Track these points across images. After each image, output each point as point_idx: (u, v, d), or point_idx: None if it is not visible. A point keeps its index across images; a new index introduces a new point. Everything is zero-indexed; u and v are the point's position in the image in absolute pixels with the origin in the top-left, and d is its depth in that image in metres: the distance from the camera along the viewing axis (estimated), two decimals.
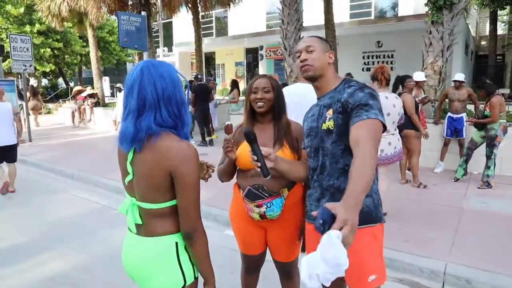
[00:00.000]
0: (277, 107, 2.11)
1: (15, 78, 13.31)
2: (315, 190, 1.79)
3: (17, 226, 4.71)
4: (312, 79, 1.81)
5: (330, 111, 1.69)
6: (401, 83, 5.66)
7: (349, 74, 8.38)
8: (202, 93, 9.50)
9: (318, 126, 1.75)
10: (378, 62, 15.50)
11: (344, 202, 1.28)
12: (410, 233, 3.99)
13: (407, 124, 5.51)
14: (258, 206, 2.04)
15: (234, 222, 2.30)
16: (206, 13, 16.17)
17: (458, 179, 5.97)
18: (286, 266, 2.29)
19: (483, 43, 22.88)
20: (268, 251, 2.32)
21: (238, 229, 2.29)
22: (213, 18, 21.18)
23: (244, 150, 2.00)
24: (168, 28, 21.91)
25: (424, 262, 3.38)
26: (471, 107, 7.02)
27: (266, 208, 2.04)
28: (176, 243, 1.52)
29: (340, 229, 1.11)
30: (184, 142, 1.47)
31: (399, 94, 5.52)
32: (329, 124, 1.68)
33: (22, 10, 17.65)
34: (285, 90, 2.41)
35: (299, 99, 2.60)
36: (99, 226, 4.61)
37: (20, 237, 4.32)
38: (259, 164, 1.66)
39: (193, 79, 12.69)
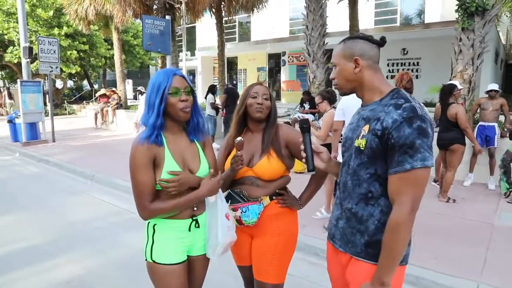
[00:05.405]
0: (272, 116, 2.09)
1: (42, 80, 13.62)
2: (337, 207, 1.66)
3: (36, 227, 4.73)
4: (348, 94, 1.65)
5: (366, 128, 1.48)
6: (449, 93, 5.41)
7: None
8: (232, 96, 9.45)
9: (352, 138, 1.58)
10: (403, 69, 15.16)
11: (372, 282, 1.42)
12: (438, 250, 3.79)
13: (457, 138, 5.26)
14: (234, 210, 2.01)
15: None
16: (229, 18, 16.20)
17: (506, 193, 5.58)
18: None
19: None
20: None
21: None
22: (236, 23, 21.25)
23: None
24: (191, 32, 22.09)
25: (454, 281, 3.19)
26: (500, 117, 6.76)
27: (241, 213, 2.00)
28: (154, 225, 1.86)
29: None
30: (135, 139, 1.77)
31: (448, 105, 5.29)
32: (360, 142, 1.49)
33: (51, 13, 18.08)
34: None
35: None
36: (117, 229, 4.57)
37: (39, 238, 4.32)
38: (304, 155, 1.65)
39: (228, 83, 12.78)
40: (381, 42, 1.57)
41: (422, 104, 1.43)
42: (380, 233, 1.45)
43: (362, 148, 1.47)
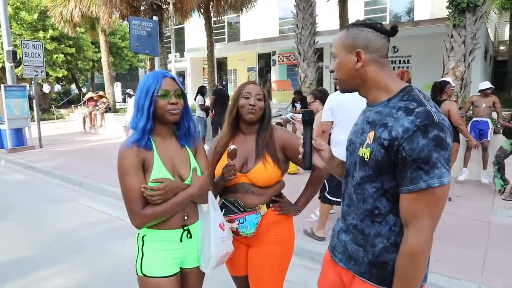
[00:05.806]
0: (266, 118, 1.98)
1: (28, 84, 13.35)
2: (341, 220, 1.48)
3: (22, 236, 4.55)
4: (349, 92, 1.42)
5: (371, 134, 1.27)
6: (440, 90, 5.33)
7: None
8: (221, 97, 9.27)
9: (356, 143, 1.37)
10: (394, 67, 15.18)
11: None
12: (437, 251, 3.66)
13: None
14: (230, 221, 1.89)
15: None
16: (218, 18, 16.07)
17: (500, 189, 5.55)
18: None
19: (501, 48, 22.38)
20: None
21: None
22: (225, 24, 21.12)
23: (225, 164, 1.86)
24: (180, 33, 21.90)
25: (455, 284, 3.10)
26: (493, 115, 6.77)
27: (238, 224, 1.89)
28: (143, 236, 1.77)
29: None
30: (122, 143, 1.69)
31: (440, 102, 5.22)
32: (365, 152, 1.28)
33: (35, 16, 17.75)
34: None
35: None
36: (106, 237, 4.41)
37: (25, 249, 4.15)
38: (301, 150, 1.48)
39: (218, 84, 12.66)
40: (392, 32, 1.31)
41: (438, 108, 1.22)
42: (388, 253, 1.28)
43: (367, 159, 1.27)
